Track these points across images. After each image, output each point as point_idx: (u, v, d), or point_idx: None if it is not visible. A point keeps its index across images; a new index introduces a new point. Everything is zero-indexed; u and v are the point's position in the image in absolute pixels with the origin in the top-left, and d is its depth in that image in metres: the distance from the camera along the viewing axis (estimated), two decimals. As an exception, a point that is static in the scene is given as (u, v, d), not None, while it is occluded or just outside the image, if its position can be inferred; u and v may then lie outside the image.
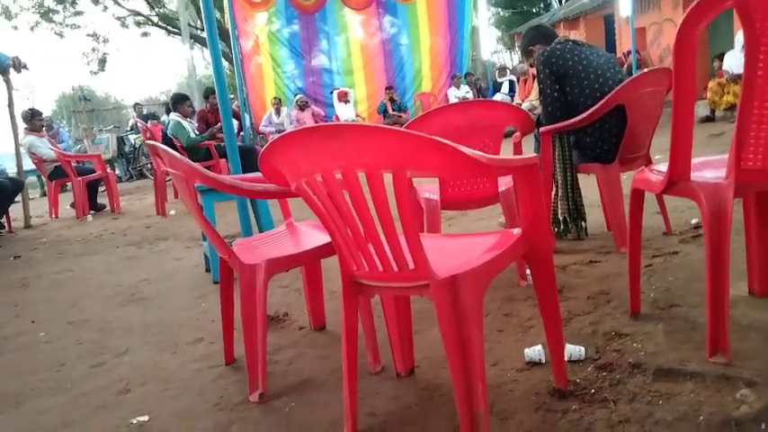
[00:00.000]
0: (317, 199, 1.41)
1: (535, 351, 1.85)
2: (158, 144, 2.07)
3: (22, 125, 7.26)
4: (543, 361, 1.82)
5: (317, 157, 1.32)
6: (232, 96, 11.34)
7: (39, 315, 3.22)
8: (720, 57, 8.68)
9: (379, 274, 1.44)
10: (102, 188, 8.00)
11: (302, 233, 2.33)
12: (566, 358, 1.72)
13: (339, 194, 1.36)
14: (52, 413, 1.99)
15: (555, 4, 23.31)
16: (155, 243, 4.97)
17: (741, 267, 2.08)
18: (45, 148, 7.38)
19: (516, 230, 1.57)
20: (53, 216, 7.50)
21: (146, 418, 1.86)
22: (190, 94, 8.76)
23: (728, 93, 7.87)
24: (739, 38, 8.06)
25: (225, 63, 12.74)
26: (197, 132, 7.22)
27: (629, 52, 10.55)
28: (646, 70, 3.03)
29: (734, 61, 8.05)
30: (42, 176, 8.81)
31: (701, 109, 8.16)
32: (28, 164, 7.63)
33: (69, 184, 7.56)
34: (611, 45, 13.40)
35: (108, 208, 7.59)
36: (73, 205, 7.47)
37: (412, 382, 1.85)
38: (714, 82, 8.10)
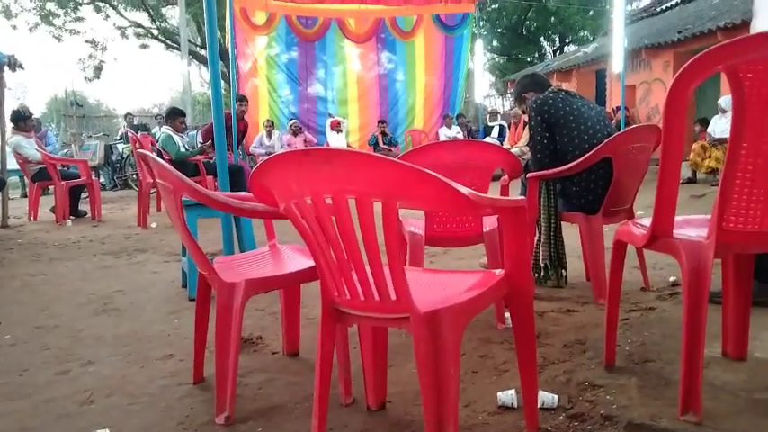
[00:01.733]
0: (305, 222, 1.41)
1: (508, 395, 1.84)
2: (149, 154, 2.06)
3: (9, 124, 7.20)
4: (516, 406, 1.81)
5: (309, 179, 1.33)
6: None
7: (6, 317, 3.15)
8: (702, 122, 8.90)
9: (359, 303, 1.43)
10: (84, 195, 7.91)
11: (285, 256, 2.32)
12: (538, 405, 1.72)
13: (327, 219, 1.36)
14: (10, 418, 1.93)
15: (549, 56, 23.85)
16: (133, 254, 4.91)
17: (716, 329, 2.10)
18: (31, 149, 7.30)
19: (499, 271, 1.58)
20: (32, 218, 7.39)
21: (107, 431, 1.81)
22: (183, 109, 8.78)
23: (710, 157, 8.04)
24: (720, 103, 8.29)
25: (221, 82, 12.79)
26: (187, 147, 7.22)
27: (618, 108, 10.77)
28: (635, 126, 3.10)
29: (717, 126, 8.25)
30: (25, 177, 8.69)
31: (684, 170, 8.33)
32: (11, 163, 7.53)
33: (52, 187, 7.47)
34: (601, 99, 13.67)
35: (89, 215, 7.50)
36: (53, 209, 7.37)
37: (383, 416, 1.83)
38: (698, 144, 8.28)
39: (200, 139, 7.50)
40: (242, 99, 8.80)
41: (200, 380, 2.16)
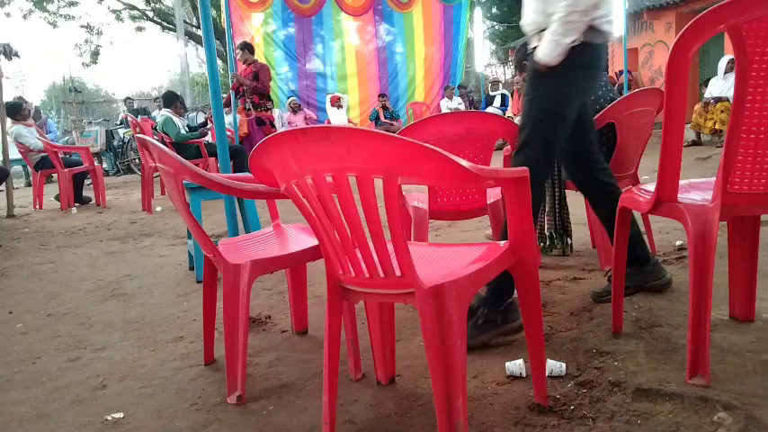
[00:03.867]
0: (306, 201, 1.40)
1: (516, 365, 1.85)
2: (149, 138, 2.05)
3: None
4: (524, 375, 1.82)
5: (308, 158, 1.32)
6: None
7: (17, 306, 3.17)
8: (707, 83, 8.81)
9: (365, 280, 1.44)
10: (88, 181, 7.91)
11: (289, 235, 2.32)
12: (546, 374, 1.73)
13: (329, 197, 1.36)
14: (26, 405, 1.96)
15: (550, 21, 23.48)
16: (139, 239, 4.93)
17: (723, 291, 2.10)
18: (32, 137, 7.30)
19: (503, 242, 1.57)
20: (37, 207, 7.41)
21: (121, 414, 1.83)
22: (182, 91, 8.73)
23: (711, 118, 7.97)
24: (721, 64, 8.19)
25: (219, 62, 12.66)
26: (187, 129, 7.19)
27: (620, 72, 10.66)
28: (637, 90, 3.06)
29: (716, 87, 8.16)
30: (28, 166, 8.70)
31: (688, 133, 8.26)
32: (14, 153, 7.54)
33: (55, 175, 7.48)
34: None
35: (93, 201, 7.52)
36: (58, 197, 7.38)
37: (392, 390, 1.85)
38: (699, 105, 8.20)
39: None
40: (242, 48, 7.64)
41: (210, 361, 2.18)
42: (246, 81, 7.15)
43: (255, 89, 7.22)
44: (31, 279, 3.80)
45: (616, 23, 9.81)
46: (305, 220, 1.50)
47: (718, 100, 7.92)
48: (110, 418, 1.82)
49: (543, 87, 2.09)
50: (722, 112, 7.70)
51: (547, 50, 2.03)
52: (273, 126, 7.64)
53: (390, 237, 1.32)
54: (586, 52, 2.06)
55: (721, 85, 7.97)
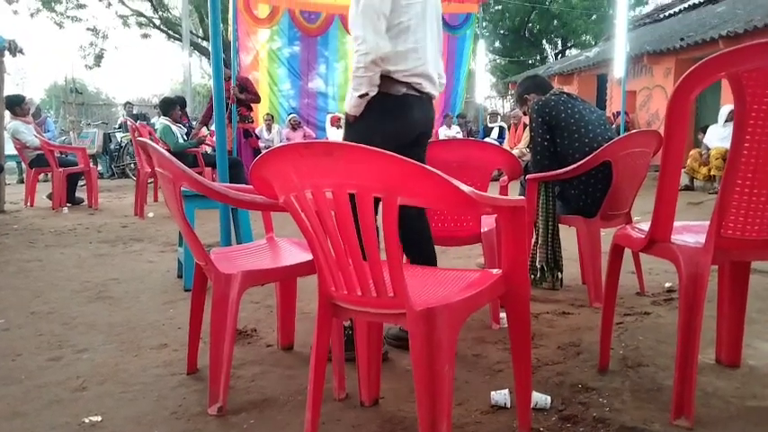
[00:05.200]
0: (304, 215, 1.40)
1: (501, 395, 1.84)
2: (149, 142, 2.06)
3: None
4: (508, 405, 1.81)
5: (309, 172, 1.33)
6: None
7: (0, 302, 3.14)
8: (704, 129, 8.91)
9: (357, 298, 1.43)
10: (82, 182, 7.89)
11: (282, 249, 2.32)
12: (531, 405, 1.72)
13: (326, 212, 1.36)
14: (2, 403, 1.93)
15: (551, 58, 23.86)
16: (129, 243, 4.90)
17: (710, 335, 2.10)
18: (30, 134, 7.28)
19: (496, 271, 1.58)
20: (28, 204, 7.37)
21: (99, 418, 1.81)
22: (178, 99, 8.72)
23: (706, 165, 8.05)
24: (723, 113, 8.30)
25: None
26: (185, 138, 7.20)
27: (618, 113, 10.79)
28: (634, 131, 3.10)
29: (715, 134, 8.26)
30: (23, 163, 8.66)
31: (682, 177, 8.34)
32: (9, 149, 7.51)
33: (49, 174, 7.45)
34: (601, 104, 13.69)
35: (86, 203, 7.48)
36: (50, 196, 7.35)
37: (375, 412, 1.83)
38: (695, 150, 8.30)
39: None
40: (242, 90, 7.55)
41: (193, 370, 2.16)
42: (242, 95, 7.16)
43: (251, 99, 7.26)
44: (17, 276, 3.76)
45: (617, 65, 9.89)
46: (299, 235, 1.50)
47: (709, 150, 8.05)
48: (87, 420, 1.79)
49: (353, 135, 2.28)
50: (717, 159, 7.80)
51: (347, 102, 2.28)
52: (258, 137, 7.71)
53: (385, 257, 1.32)
54: (387, 102, 2.25)
55: (721, 134, 8.08)
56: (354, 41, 2.20)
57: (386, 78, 2.24)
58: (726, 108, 8.28)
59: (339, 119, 12.26)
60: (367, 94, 2.22)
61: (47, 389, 2.03)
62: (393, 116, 2.29)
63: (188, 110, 11.52)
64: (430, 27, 2.37)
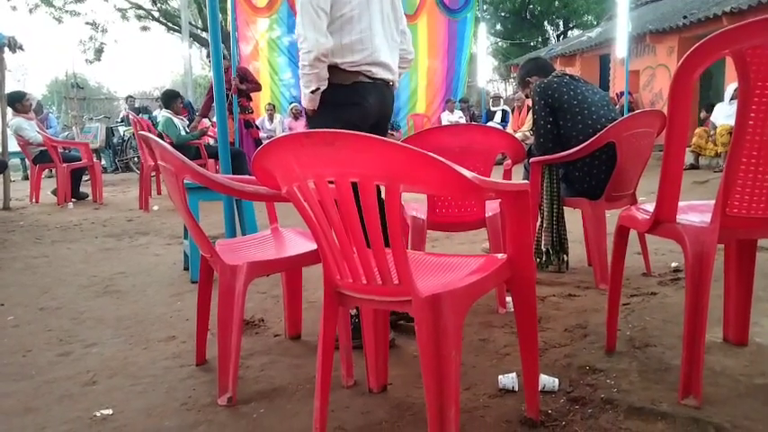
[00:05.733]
0: (307, 205, 1.40)
1: (509, 378, 1.85)
2: (151, 136, 2.06)
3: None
4: (516, 389, 1.82)
5: (311, 162, 1.32)
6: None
7: (9, 298, 3.16)
8: (707, 107, 8.85)
9: (362, 286, 1.43)
10: (86, 177, 7.90)
11: (286, 239, 2.32)
12: (539, 388, 1.72)
13: (330, 202, 1.36)
14: (13, 399, 1.94)
15: (553, 40, 23.68)
16: (135, 237, 4.92)
17: (717, 314, 2.10)
18: (32, 131, 7.29)
19: (501, 255, 1.58)
20: (34, 200, 7.39)
21: (110, 411, 1.82)
22: (184, 92, 8.71)
23: (713, 143, 8.01)
24: (729, 91, 8.24)
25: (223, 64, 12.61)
26: (188, 130, 7.20)
27: (621, 93, 10.71)
28: (638, 111, 3.08)
29: (721, 112, 8.20)
30: (26, 159, 8.68)
31: (687, 156, 8.30)
32: (12, 145, 7.52)
33: (53, 169, 7.46)
34: (604, 84, 13.60)
35: (90, 197, 7.50)
36: (55, 192, 7.37)
37: (384, 398, 1.84)
38: (701, 128, 8.26)
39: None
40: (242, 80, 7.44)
41: (202, 362, 2.17)
42: (243, 86, 7.14)
43: (252, 89, 7.25)
44: (25, 272, 3.78)
45: (619, 45, 9.83)
46: (303, 224, 1.50)
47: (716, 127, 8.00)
48: (98, 414, 1.81)
49: (314, 127, 2.27)
50: (723, 135, 7.75)
51: (302, 99, 2.39)
52: (259, 129, 7.71)
53: (389, 244, 1.32)
54: (339, 92, 2.32)
55: (726, 111, 8.02)
56: (297, 39, 2.25)
57: (334, 69, 2.29)
58: (732, 86, 8.21)
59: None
60: (318, 89, 2.29)
61: (57, 384, 2.05)
62: (348, 105, 2.34)
63: (190, 101, 11.48)
64: (379, 12, 2.38)
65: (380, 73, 2.39)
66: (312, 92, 2.28)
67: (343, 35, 2.27)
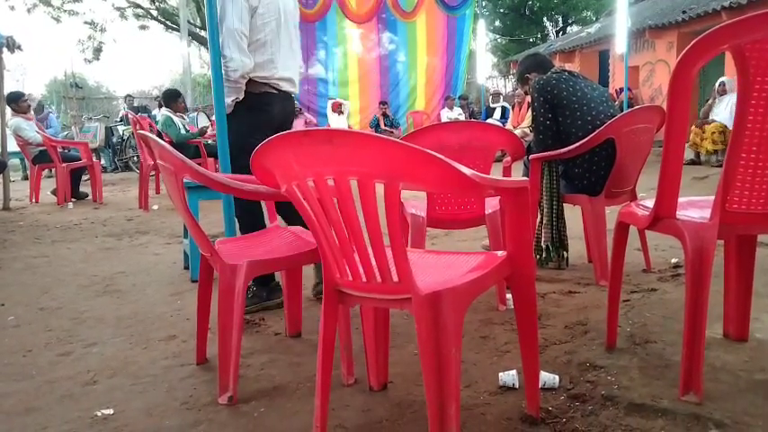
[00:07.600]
0: (307, 203, 1.40)
1: (509, 375, 1.85)
2: (150, 135, 2.05)
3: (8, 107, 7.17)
4: (517, 386, 1.82)
5: (310, 160, 1.32)
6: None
7: (9, 298, 3.16)
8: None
9: (362, 285, 1.43)
10: (85, 177, 7.89)
11: (286, 237, 2.32)
12: (539, 385, 1.72)
13: (329, 200, 1.35)
14: (14, 398, 1.95)
15: (552, 36, 23.65)
16: (134, 236, 4.92)
17: (717, 310, 2.10)
18: (31, 131, 7.29)
19: (501, 252, 1.57)
20: (33, 200, 7.38)
21: (111, 411, 1.82)
22: (184, 92, 8.71)
23: (707, 139, 8.00)
24: (716, 86, 8.23)
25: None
26: (188, 129, 7.20)
27: (621, 89, 10.70)
28: (637, 107, 3.08)
29: (717, 108, 8.19)
30: (26, 159, 8.68)
31: (687, 152, 8.29)
32: (12, 145, 7.51)
33: (53, 169, 7.46)
34: (604, 80, 13.58)
35: (90, 197, 7.50)
36: (54, 191, 7.36)
37: (384, 396, 1.84)
38: (695, 127, 8.25)
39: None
40: None
41: (202, 361, 2.17)
42: None
43: None
44: (25, 272, 3.78)
45: (619, 41, 9.81)
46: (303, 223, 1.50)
47: (704, 122, 8.01)
48: (99, 413, 1.81)
49: (230, 127, 2.75)
50: (713, 133, 7.75)
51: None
52: None
53: (389, 242, 1.32)
54: (251, 99, 2.79)
55: (715, 108, 8.03)
56: (222, 60, 2.69)
57: (249, 81, 2.76)
58: (718, 81, 8.22)
59: (340, 104, 12.25)
60: (237, 98, 2.76)
61: (58, 384, 2.05)
62: (256, 110, 2.81)
63: (188, 100, 11.46)
64: (286, 37, 2.88)
65: (285, 86, 2.89)
66: (232, 101, 2.77)
67: (256, 55, 2.76)
